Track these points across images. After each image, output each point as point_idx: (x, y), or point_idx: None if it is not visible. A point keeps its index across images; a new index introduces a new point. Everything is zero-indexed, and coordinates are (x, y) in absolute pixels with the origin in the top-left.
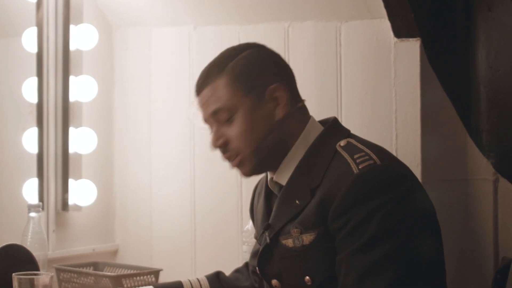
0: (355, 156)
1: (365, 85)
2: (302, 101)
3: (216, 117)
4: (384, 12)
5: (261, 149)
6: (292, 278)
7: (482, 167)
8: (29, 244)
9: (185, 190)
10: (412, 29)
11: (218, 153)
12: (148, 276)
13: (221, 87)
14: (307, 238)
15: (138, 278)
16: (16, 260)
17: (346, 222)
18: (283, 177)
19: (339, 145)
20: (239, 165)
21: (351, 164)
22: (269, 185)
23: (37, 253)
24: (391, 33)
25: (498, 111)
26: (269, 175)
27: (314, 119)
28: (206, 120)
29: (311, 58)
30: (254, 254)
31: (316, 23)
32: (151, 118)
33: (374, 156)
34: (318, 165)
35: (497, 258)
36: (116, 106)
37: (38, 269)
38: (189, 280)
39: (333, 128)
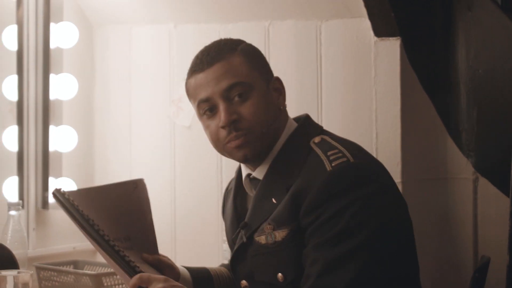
0: (329, 153)
1: (346, 84)
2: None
3: (228, 93)
4: (364, 11)
5: (268, 133)
6: (264, 275)
7: (462, 166)
8: (9, 242)
9: (165, 188)
10: (392, 28)
11: (198, 151)
12: None
13: (238, 64)
14: (279, 234)
15: (118, 277)
16: None
17: (317, 217)
18: (260, 173)
19: (313, 142)
20: (243, 145)
21: (324, 161)
22: (243, 183)
23: (17, 252)
24: (371, 32)
25: (478, 110)
26: (245, 171)
27: (291, 119)
28: (212, 96)
29: (292, 57)
30: None
31: (297, 22)
32: (131, 116)
33: (347, 154)
34: (293, 163)
35: (476, 256)
36: (96, 104)
37: (18, 268)
38: (211, 267)
39: (305, 125)
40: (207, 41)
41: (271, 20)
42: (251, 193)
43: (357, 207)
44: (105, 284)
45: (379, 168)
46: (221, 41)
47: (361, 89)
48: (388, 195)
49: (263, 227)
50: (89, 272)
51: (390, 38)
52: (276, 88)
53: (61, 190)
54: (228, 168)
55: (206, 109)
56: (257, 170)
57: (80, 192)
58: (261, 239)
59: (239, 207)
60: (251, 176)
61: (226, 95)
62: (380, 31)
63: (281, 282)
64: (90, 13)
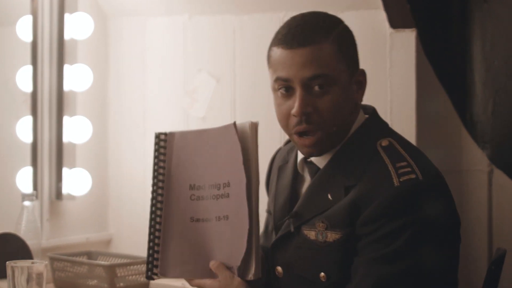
0: (397, 165)
1: None
2: None
3: (310, 82)
4: (379, 2)
5: (339, 131)
6: (305, 270)
7: (477, 158)
8: (23, 233)
9: None
10: (407, 20)
11: None
12: (142, 265)
13: (328, 53)
14: (332, 236)
15: (131, 267)
16: (10, 248)
17: (376, 230)
18: (319, 161)
19: (380, 145)
20: (311, 145)
21: (392, 173)
22: (298, 164)
23: (31, 242)
24: (387, 24)
25: (493, 102)
26: (301, 154)
27: (361, 110)
28: (292, 79)
29: None
30: (268, 231)
31: None
32: (145, 108)
33: (416, 169)
34: (355, 162)
35: (491, 249)
36: (110, 95)
37: (32, 258)
38: None
39: (373, 121)
40: (222, 33)
41: (286, 11)
42: (305, 175)
43: (418, 228)
44: (119, 274)
45: (443, 185)
46: (319, 17)
47: (376, 81)
48: (449, 216)
49: (315, 222)
50: (102, 262)
51: (406, 29)
52: (358, 81)
53: (161, 135)
54: None
55: (283, 87)
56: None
57: (186, 135)
58: (311, 234)
59: (294, 189)
60: (308, 160)
61: (307, 83)
62: (395, 22)
63: (323, 281)
64: (104, 4)
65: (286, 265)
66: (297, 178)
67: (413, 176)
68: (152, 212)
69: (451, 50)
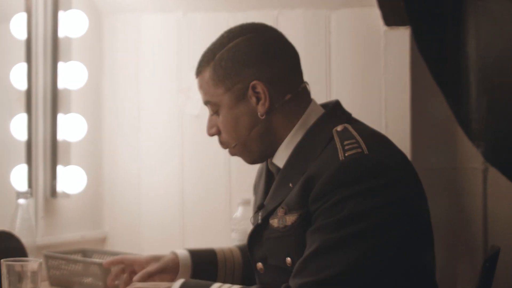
0: (345, 143)
1: (355, 74)
2: (295, 91)
3: (208, 107)
4: (374, 0)
5: (248, 142)
6: (275, 259)
7: (472, 156)
8: (18, 230)
9: (174, 177)
10: (402, 17)
11: (206, 140)
12: None
13: (206, 81)
14: (290, 219)
15: None
16: (5, 246)
17: (322, 204)
18: (281, 160)
19: (336, 130)
20: (235, 154)
21: (339, 150)
22: (269, 167)
23: (25, 240)
24: (381, 22)
25: (488, 100)
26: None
27: (315, 103)
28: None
29: (301, 46)
30: None
31: (306, 11)
32: (140, 105)
33: (363, 145)
34: (313, 150)
35: (486, 246)
36: (105, 92)
37: (26, 256)
38: (222, 249)
39: (332, 112)
40: (216, 30)
41: (280, 9)
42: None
43: (363, 198)
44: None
45: (394, 163)
46: (214, 42)
47: (371, 79)
48: (399, 190)
49: (277, 211)
50: (97, 260)
51: (400, 27)
52: (255, 93)
53: None
54: (236, 157)
55: None
56: (275, 156)
57: None
58: (274, 222)
59: (268, 188)
60: (271, 161)
61: (208, 107)
62: (389, 20)
63: (290, 266)
64: (99, 1)
65: (263, 259)
66: (270, 177)
67: (358, 150)
68: None
69: (446, 48)
